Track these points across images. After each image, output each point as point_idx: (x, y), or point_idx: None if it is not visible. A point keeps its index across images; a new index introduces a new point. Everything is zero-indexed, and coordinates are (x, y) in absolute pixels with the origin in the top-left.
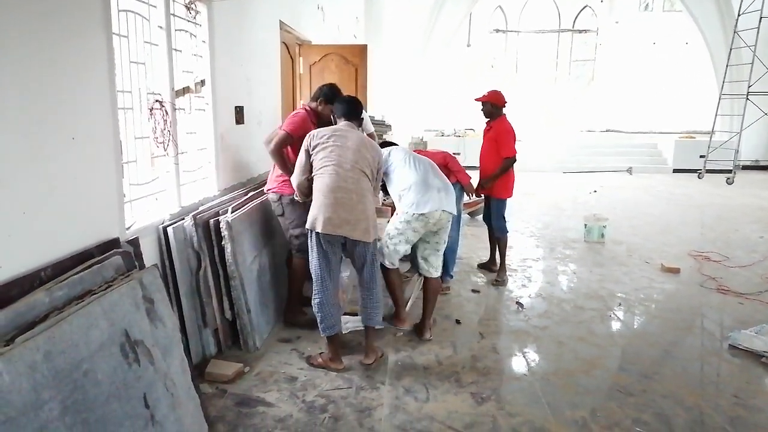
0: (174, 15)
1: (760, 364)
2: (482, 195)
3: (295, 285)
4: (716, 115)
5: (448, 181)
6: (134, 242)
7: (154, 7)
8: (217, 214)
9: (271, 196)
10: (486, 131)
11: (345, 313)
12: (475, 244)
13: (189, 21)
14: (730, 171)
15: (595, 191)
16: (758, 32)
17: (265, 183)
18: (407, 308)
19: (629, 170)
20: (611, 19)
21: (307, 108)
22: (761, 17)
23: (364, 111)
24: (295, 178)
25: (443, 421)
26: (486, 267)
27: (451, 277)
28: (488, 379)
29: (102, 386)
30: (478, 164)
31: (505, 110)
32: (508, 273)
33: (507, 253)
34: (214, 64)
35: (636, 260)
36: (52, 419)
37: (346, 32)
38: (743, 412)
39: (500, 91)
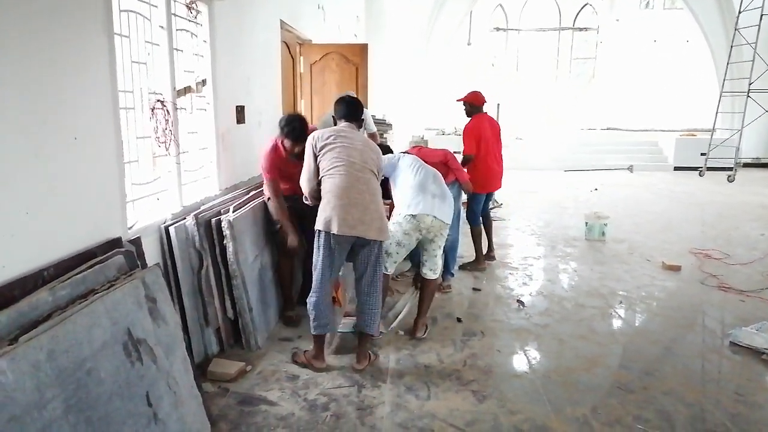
0: (175, 15)
1: (760, 361)
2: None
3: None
4: (717, 112)
5: (448, 191)
6: (136, 242)
7: (155, 7)
8: (219, 213)
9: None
10: None
11: (346, 314)
12: None
13: (190, 21)
14: (731, 168)
15: (596, 189)
16: (759, 29)
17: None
18: (400, 317)
19: (630, 168)
20: (612, 17)
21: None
22: (762, 14)
23: (366, 110)
24: (306, 184)
25: (444, 419)
26: (487, 257)
27: (453, 275)
28: (489, 377)
29: (105, 385)
30: None
31: (485, 108)
32: (508, 271)
33: (496, 250)
34: (215, 63)
35: (637, 258)
36: (56, 418)
37: (347, 31)
38: (744, 409)
39: (479, 92)
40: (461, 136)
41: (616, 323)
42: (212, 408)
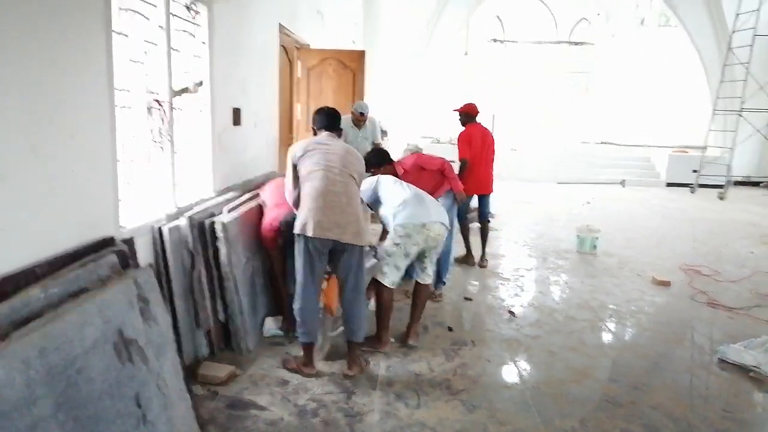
0: (174, 15)
1: (748, 378)
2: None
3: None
4: (709, 130)
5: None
6: (129, 241)
7: (154, 6)
8: (213, 215)
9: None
10: None
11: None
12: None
13: (189, 21)
14: (722, 186)
15: (588, 203)
16: (752, 49)
17: (261, 186)
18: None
19: (622, 183)
20: (608, 33)
21: None
22: (755, 35)
23: (374, 118)
24: (290, 195)
25: (434, 427)
26: (479, 265)
27: (444, 284)
28: (479, 387)
29: (95, 384)
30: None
31: (478, 118)
32: (499, 281)
33: (488, 261)
34: (212, 65)
35: (627, 272)
36: (45, 415)
37: (345, 37)
38: (732, 426)
39: (474, 104)
40: (455, 145)
41: (606, 336)
42: (201, 411)
